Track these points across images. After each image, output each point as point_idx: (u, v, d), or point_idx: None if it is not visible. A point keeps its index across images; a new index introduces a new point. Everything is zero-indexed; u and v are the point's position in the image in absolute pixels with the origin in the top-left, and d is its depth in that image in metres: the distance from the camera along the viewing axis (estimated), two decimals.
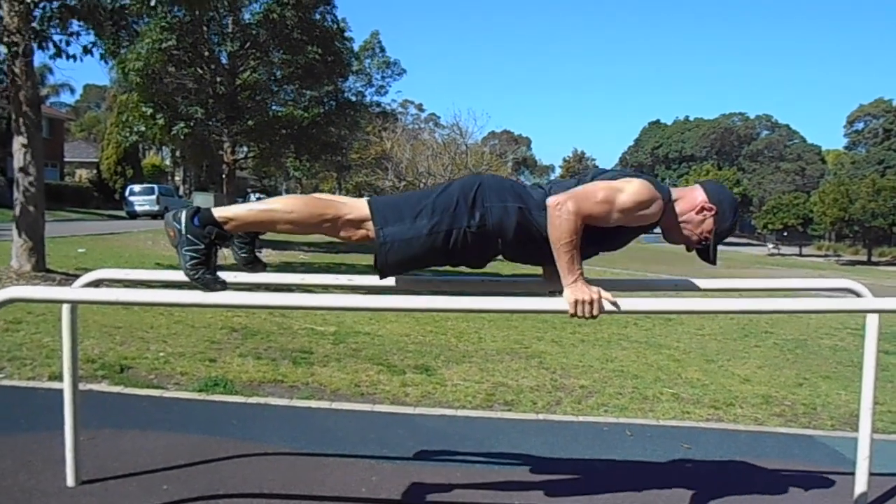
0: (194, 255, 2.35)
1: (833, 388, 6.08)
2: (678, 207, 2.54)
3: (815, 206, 67.43)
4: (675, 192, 2.58)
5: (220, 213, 2.39)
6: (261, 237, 2.60)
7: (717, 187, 2.61)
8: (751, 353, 7.91)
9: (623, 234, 2.53)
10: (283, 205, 2.40)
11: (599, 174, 2.55)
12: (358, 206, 2.43)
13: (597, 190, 2.37)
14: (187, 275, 2.37)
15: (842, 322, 10.53)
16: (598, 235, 2.42)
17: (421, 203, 2.41)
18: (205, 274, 2.35)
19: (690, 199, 2.56)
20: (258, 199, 53.71)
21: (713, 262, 2.61)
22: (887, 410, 5.17)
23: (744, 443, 4.22)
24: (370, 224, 2.38)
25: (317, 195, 2.56)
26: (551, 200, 2.32)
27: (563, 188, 2.45)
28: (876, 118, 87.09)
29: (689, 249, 2.67)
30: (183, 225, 2.36)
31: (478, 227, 2.39)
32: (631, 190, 2.38)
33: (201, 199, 18.77)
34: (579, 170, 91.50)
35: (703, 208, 2.54)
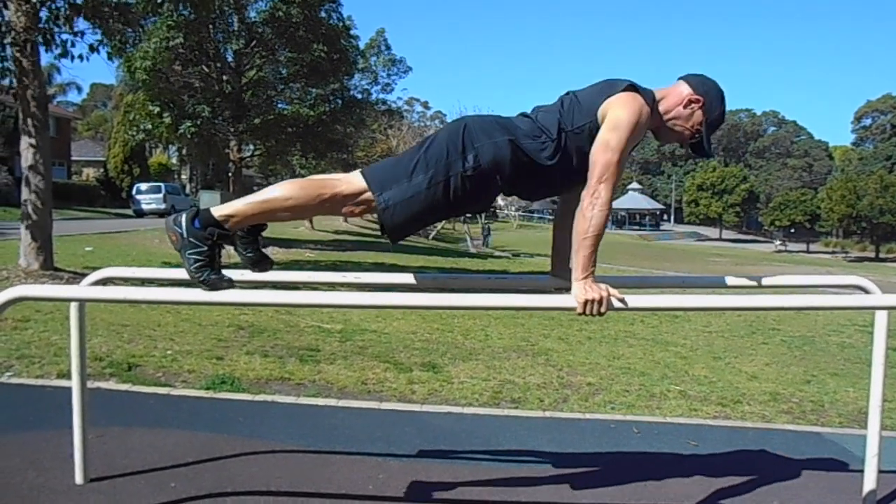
0: (198, 257, 2.34)
1: (841, 385, 6.06)
2: (664, 106, 2.51)
3: (823, 202, 67.32)
4: (659, 92, 2.54)
5: (219, 212, 2.37)
6: (263, 235, 2.58)
7: (701, 78, 2.58)
8: (758, 350, 7.88)
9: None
10: (280, 192, 2.37)
11: (572, 97, 2.52)
12: (353, 180, 2.41)
13: (606, 152, 2.32)
14: (192, 278, 2.36)
15: (849, 319, 10.49)
16: (584, 155, 2.39)
17: (413, 160, 2.40)
18: (210, 275, 2.35)
19: (675, 94, 2.53)
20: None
21: (710, 155, 2.61)
22: (895, 407, 5.15)
23: (752, 440, 4.20)
24: (369, 194, 2.37)
25: (312, 176, 2.54)
26: (585, 194, 2.31)
27: (546, 117, 2.46)
28: (884, 114, 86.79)
29: (682, 145, 2.66)
30: (184, 228, 2.35)
31: (473, 169, 2.38)
32: (626, 119, 2.34)
33: (208, 198, 18.81)
34: None
35: (689, 101, 2.50)
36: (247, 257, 2.51)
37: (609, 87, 2.45)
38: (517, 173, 2.43)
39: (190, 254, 2.34)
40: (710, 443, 4.10)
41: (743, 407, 5.06)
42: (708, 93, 2.52)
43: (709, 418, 4.72)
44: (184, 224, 2.36)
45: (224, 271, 2.39)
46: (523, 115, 2.58)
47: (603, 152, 2.34)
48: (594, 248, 2.29)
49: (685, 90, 2.52)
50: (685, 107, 2.51)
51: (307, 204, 2.38)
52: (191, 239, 2.34)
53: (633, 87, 2.42)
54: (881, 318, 2.83)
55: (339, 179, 2.44)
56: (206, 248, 2.34)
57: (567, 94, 2.56)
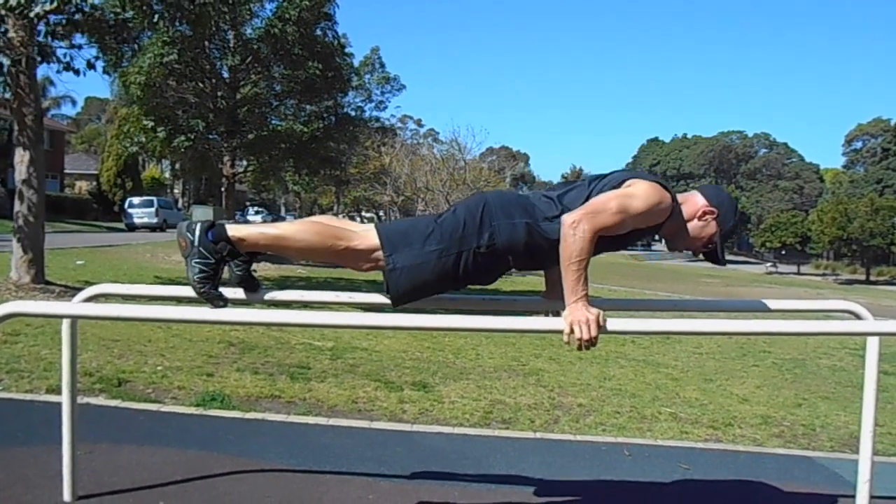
0: (203, 268, 2.36)
1: (832, 408, 6.07)
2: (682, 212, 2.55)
3: (814, 224, 67.62)
4: (677, 198, 2.58)
5: (233, 231, 2.40)
6: (260, 256, 2.60)
7: (715, 190, 2.64)
8: (749, 372, 7.89)
9: (632, 235, 2.51)
10: (295, 232, 2.40)
11: (599, 179, 2.54)
12: (367, 236, 2.42)
13: (609, 201, 2.34)
14: (194, 287, 2.38)
15: (840, 342, 10.52)
16: (606, 243, 2.41)
17: (429, 227, 2.41)
18: (210, 289, 2.37)
19: (691, 204, 2.57)
20: (256, 212, 53.80)
21: (723, 264, 2.64)
22: (887, 432, 5.15)
23: (743, 464, 4.20)
24: (380, 253, 2.38)
25: (328, 221, 2.54)
26: (566, 219, 2.30)
27: (572, 198, 2.46)
28: (874, 137, 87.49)
29: (695, 254, 2.70)
30: (196, 237, 2.37)
31: (487, 247, 2.39)
32: (642, 194, 2.37)
33: (200, 213, 18.74)
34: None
35: (704, 212, 2.55)
36: (236, 274, 2.52)
37: (639, 173, 2.50)
38: (531, 253, 2.45)
39: (196, 263, 2.36)
40: (702, 466, 4.10)
41: (734, 430, 5.06)
42: (722, 204, 2.57)
43: (700, 441, 4.72)
44: (197, 233, 2.37)
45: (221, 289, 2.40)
46: (545, 195, 2.57)
47: (606, 197, 2.37)
48: (580, 272, 2.27)
49: (700, 201, 2.57)
50: (700, 218, 2.55)
51: (318, 249, 2.41)
52: (200, 248, 2.36)
53: (661, 183, 2.47)
54: (873, 344, 2.84)
55: (354, 232, 2.44)
56: (212, 262, 2.37)
57: (595, 177, 2.58)
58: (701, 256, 2.72)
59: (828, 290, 41.14)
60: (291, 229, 2.43)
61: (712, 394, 6.41)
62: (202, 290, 2.37)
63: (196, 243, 2.37)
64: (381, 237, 2.40)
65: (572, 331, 2.23)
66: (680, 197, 2.60)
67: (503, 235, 2.40)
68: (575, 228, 2.27)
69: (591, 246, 2.28)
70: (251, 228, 2.45)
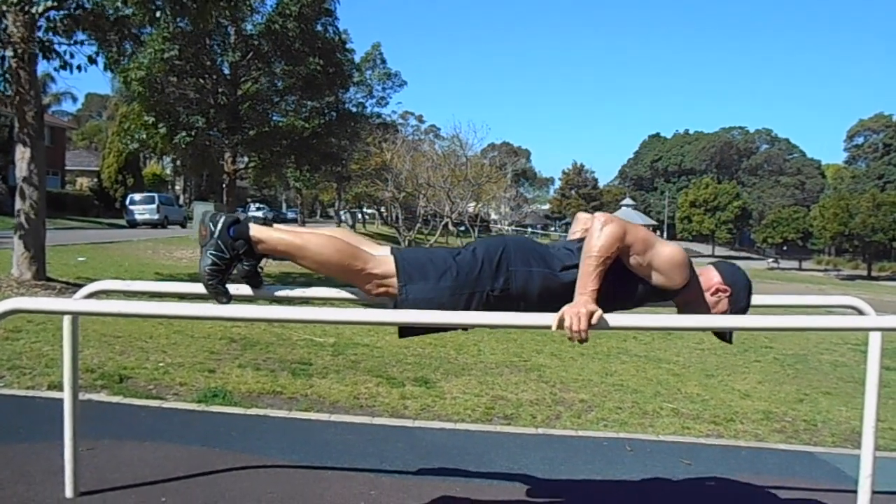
0: (217, 261, 2.38)
1: (834, 404, 6.07)
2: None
3: (815, 220, 67.58)
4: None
5: (255, 231, 2.41)
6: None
7: (731, 268, 2.65)
8: (751, 367, 7.89)
9: (641, 294, 2.51)
10: (317, 245, 2.40)
11: None
12: (384, 261, 2.42)
13: (640, 229, 2.43)
14: (203, 278, 2.39)
15: (842, 338, 10.52)
16: (618, 282, 2.42)
17: (446, 263, 2.42)
18: (218, 283, 2.38)
19: (705, 279, 2.59)
20: (258, 209, 53.71)
21: (729, 341, 2.67)
22: (889, 428, 5.15)
23: (744, 459, 4.20)
24: (393, 280, 2.39)
25: (349, 238, 2.54)
26: (599, 216, 2.37)
27: None
28: (876, 133, 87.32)
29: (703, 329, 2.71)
30: (218, 229, 2.38)
31: (501, 291, 2.41)
32: (670, 248, 2.44)
33: (201, 209, 18.74)
34: (578, 182, 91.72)
35: (718, 289, 2.56)
36: (243, 269, 2.51)
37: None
38: (543, 301, 2.44)
39: (211, 254, 2.38)
40: (703, 461, 4.10)
41: (736, 425, 5.06)
42: (735, 283, 2.58)
43: (702, 437, 4.72)
44: (219, 226, 2.39)
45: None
46: (566, 246, 2.58)
47: (639, 227, 2.44)
48: (596, 268, 2.29)
49: (715, 277, 2.59)
50: (713, 294, 2.57)
51: (334, 266, 2.41)
52: (219, 241, 2.38)
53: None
54: (875, 339, 2.84)
55: (373, 256, 2.45)
56: (227, 257, 2.39)
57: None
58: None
59: (829, 286, 41.13)
60: (314, 242, 2.42)
61: (714, 389, 6.41)
62: (210, 282, 2.38)
63: (216, 235, 2.38)
64: (399, 266, 2.40)
65: (563, 319, 2.23)
66: (696, 270, 2.62)
67: (518, 282, 2.41)
68: (604, 226, 2.33)
69: (613, 248, 2.32)
70: (273, 233, 2.45)
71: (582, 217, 2.82)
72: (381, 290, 2.42)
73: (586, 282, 2.29)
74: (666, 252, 2.42)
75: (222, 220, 2.40)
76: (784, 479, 3.83)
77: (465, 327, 2.57)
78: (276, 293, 2.65)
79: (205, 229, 2.41)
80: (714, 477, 3.84)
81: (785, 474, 3.94)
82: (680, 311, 2.65)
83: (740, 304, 2.58)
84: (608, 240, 2.31)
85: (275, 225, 2.56)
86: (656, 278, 2.44)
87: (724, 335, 2.67)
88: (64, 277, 10.34)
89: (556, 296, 2.41)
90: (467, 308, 2.39)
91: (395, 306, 2.40)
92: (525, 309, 2.45)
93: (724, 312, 2.57)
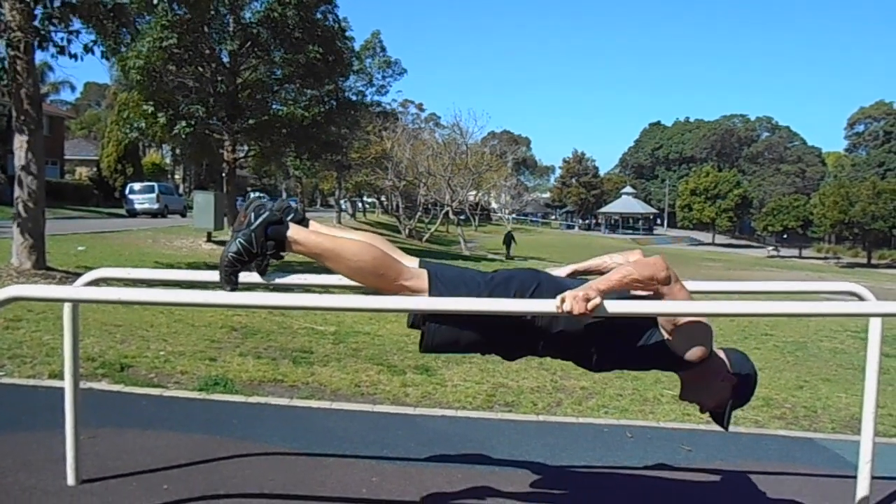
0: (241, 252, 2.33)
1: (833, 390, 6.08)
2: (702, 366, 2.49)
3: (815, 208, 67.53)
4: None
5: (292, 233, 2.36)
6: None
7: (742, 359, 2.59)
8: (751, 355, 7.87)
9: (652, 352, 2.45)
10: (354, 253, 2.36)
11: None
12: (419, 276, 2.39)
13: (683, 289, 2.36)
14: (222, 260, 2.34)
15: (842, 325, 10.53)
16: (631, 333, 2.40)
17: (479, 290, 2.39)
18: (232, 274, 2.34)
19: (718, 363, 2.54)
20: (258, 197, 53.40)
21: (725, 428, 2.64)
22: (888, 414, 5.16)
23: (745, 445, 4.21)
24: (425, 295, 2.36)
25: (382, 246, 2.49)
26: (636, 260, 2.44)
27: None
28: (877, 121, 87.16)
29: (702, 411, 2.67)
30: (256, 223, 2.33)
31: (528, 322, 2.40)
32: (704, 324, 2.39)
33: (201, 198, 18.70)
34: (579, 171, 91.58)
35: (724, 377, 2.52)
36: (262, 265, 2.46)
37: None
38: (562, 345, 2.45)
39: (241, 242, 2.32)
40: (703, 447, 4.11)
41: (736, 412, 5.05)
42: (740, 374, 2.54)
43: (702, 423, 4.71)
44: (260, 220, 2.34)
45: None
46: None
47: (681, 284, 2.37)
48: (619, 280, 2.27)
49: (725, 365, 2.54)
50: (721, 380, 2.52)
51: (368, 273, 2.37)
52: (253, 234, 2.32)
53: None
54: (875, 325, 2.84)
55: (408, 269, 2.42)
56: (254, 251, 2.33)
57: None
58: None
59: (829, 274, 41.15)
60: (350, 249, 2.38)
61: None
62: (227, 267, 2.32)
63: (252, 227, 2.33)
64: (432, 283, 2.38)
65: (564, 300, 2.20)
66: None
67: (545, 319, 2.39)
68: (660, 265, 2.31)
69: (648, 277, 2.29)
70: (311, 236, 2.40)
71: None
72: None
73: (603, 281, 2.28)
74: (702, 325, 2.37)
75: (265, 216, 2.34)
76: (784, 465, 3.85)
77: (483, 353, 2.57)
78: (277, 280, 2.65)
79: (244, 216, 2.36)
80: (714, 463, 3.85)
81: (785, 460, 3.95)
82: (683, 391, 2.62)
83: (741, 398, 2.57)
84: (650, 268, 2.29)
85: (311, 223, 2.52)
86: (676, 338, 2.38)
87: (720, 421, 2.60)
88: (64, 267, 10.33)
89: (575, 341, 2.43)
90: (490, 336, 2.40)
91: (426, 326, 2.39)
92: (543, 347, 2.46)
93: (725, 399, 2.53)
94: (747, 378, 2.56)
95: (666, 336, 2.38)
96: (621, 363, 2.58)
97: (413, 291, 2.36)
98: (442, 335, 2.40)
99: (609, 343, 2.43)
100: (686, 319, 2.35)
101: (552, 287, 2.41)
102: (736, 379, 2.52)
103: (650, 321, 2.40)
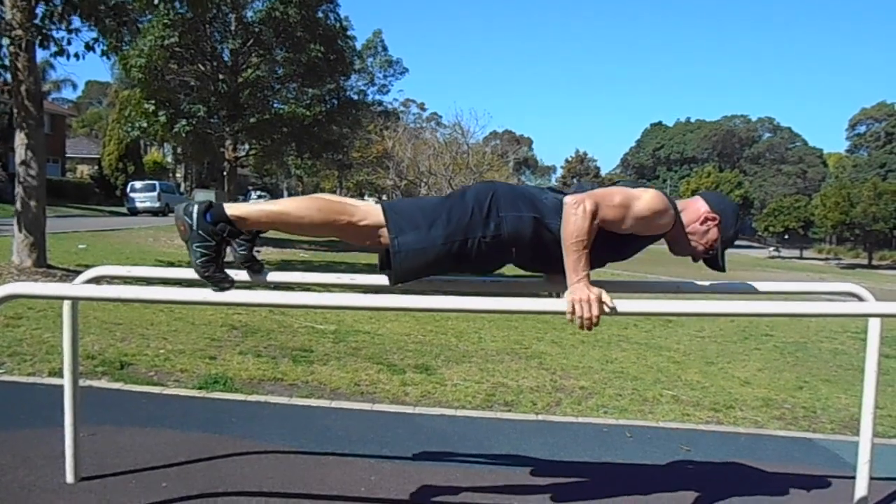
0: (205, 251, 2.33)
1: (833, 391, 6.08)
2: (683, 219, 2.57)
3: (817, 209, 67.47)
4: (679, 204, 2.60)
5: (231, 210, 2.37)
6: (261, 235, 2.59)
7: (718, 196, 2.65)
8: (751, 355, 7.90)
9: (633, 243, 2.54)
10: (297, 209, 2.39)
11: (613, 184, 2.59)
12: (372, 213, 2.41)
13: (614, 193, 2.40)
14: (198, 272, 2.35)
15: (842, 325, 10.53)
16: (608, 242, 2.43)
17: (436, 212, 2.41)
18: (215, 272, 2.34)
19: (693, 210, 2.59)
20: (259, 196, 53.67)
21: (723, 270, 2.65)
22: (887, 414, 5.16)
23: (744, 445, 4.21)
24: (384, 231, 2.38)
25: (328, 196, 2.53)
26: (569, 199, 2.33)
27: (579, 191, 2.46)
28: (878, 122, 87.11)
29: (695, 260, 2.70)
30: (195, 220, 2.33)
31: (492, 237, 2.40)
32: (647, 198, 2.41)
33: (202, 196, 18.78)
34: (580, 171, 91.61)
35: (706, 218, 2.56)
36: (240, 254, 2.50)
37: (645, 185, 2.53)
38: (534, 249, 2.45)
39: (197, 247, 2.33)
40: (703, 448, 4.11)
41: (735, 412, 5.07)
42: (724, 211, 2.59)
43: (701, 423, 4.72)
44: (195, 216, 2.34)
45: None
46: (553, 190, 2.58)
47: (611, 190, 2.42)
48: (580, 253, 2.28)
49: (703, 207, 2.59)
50: (702, 223, 2.57)
51: (320, 225, 2.40)
52: (200, 232, 2.33)
53: (665, 194, 2.50)
54: (874, 326, 2.83)
55: (356, 207, 2.44)
56: (213, 244, 2.34)
57: (603, 184, 2.60)
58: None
59: (830, 275, 41.15)
60: (293, 205, 2.41)
61: (714, 376, 6.42)
62: (206, 273, 2.33)
63: (195, 227, 2.33)
64: (388, 217, 2.39)
65: (574, 310, 2.22)
66: (682, 203, 2.63)
67: (509, 227, 2.40)
68: (576, 208, 2.29)
69: (592, 228, 2.30)
70: (251, 206, 2.43)
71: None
72: (372, 240, 2.42)
73: (576, 268, 2.28)
74: (643, 204, 2.39)
75: (195, 209, 2.35)
76: (783, 466, 3.84)
77: (456, 271, 2.57)
78: (277, 279, 2.65)
79: (182, 224, 2.36)
80: (713, 463, 3.85)
81: (784, 460, 3.95)
82: (671, 248, 2.66)
83: (730, 230, 2.60)
84: (583, 222, 2.28)
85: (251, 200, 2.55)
86: (643, 230, 2.45)
87: (716, 265, 2.65)
88: (64, 265, 10.35)
89: (547, 247, 2.43)
90: (458, 255, 2.40)
91: (391, 257, 2.38)
92: (518, 254, 2.47)
93: (714, 240, 2.57)
94: (729, 211, 2.61)
95: (631, 232, 2.45)
96: (604, 258, 2.55)
97: (371, 228, 2.39)
98: (409, 262, 2.39)
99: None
100: (640, 215, 2.39)
101: (508, 192, 2.47)
102: (719, 217, 2.57)
103: (613, 233, 2.43)
